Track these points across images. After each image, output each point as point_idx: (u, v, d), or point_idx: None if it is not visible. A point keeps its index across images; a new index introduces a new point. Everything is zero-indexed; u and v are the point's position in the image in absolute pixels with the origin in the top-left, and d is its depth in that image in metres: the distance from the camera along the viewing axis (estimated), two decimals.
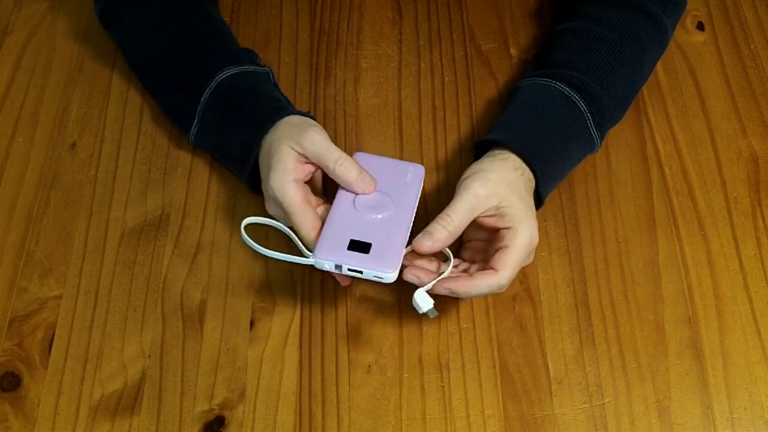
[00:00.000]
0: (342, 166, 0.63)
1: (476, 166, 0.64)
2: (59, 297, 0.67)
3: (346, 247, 0.60)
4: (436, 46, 0.82)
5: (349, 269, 0.59)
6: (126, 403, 0.63)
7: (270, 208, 0.67)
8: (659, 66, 0.80)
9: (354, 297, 0.67)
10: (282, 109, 0.69)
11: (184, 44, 0.74)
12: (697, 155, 0.75)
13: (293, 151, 0.64)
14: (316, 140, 0.63)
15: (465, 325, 0.66)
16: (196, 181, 0.73)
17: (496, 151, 0.66)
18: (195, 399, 0.63)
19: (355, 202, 0.63)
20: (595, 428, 0.62)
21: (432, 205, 0.71)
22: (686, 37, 0.83)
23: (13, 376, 0.64)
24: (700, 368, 0.64)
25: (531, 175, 0.65)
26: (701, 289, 0.68)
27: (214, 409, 0.62)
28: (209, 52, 0.73)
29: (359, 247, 0.60)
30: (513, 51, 0.82)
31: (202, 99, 0.70)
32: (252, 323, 0.66)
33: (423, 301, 0.59)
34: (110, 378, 0.64)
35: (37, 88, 0.80)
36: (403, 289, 0.67)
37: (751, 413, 0.62)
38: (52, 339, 0.65)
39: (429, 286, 0.60)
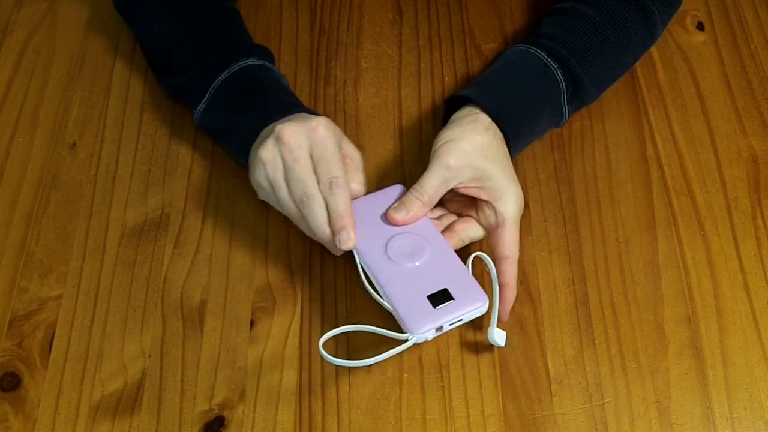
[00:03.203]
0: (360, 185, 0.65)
1: (446, 134, 0.64)
2: (59, 297, 0.67)
3: (432, 306, 0.58)
4: (436, 46, 0.82)
5: (450, 325, 0.58)
6: (126, 403, 0.63)
7: (259, 174, 0.64)
8: (659, 66, 0.80)
9: (354, 296, 0.67)
10: (303, 107, 0.69)
11: (208, 28, 0.74)
12: (697, 155, 0.75)
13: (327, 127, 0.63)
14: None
15: (465, 325, 0.66)
16: (196, 181, 0.73)
17: (465, 110, 0.66)
18: (195, 399, 0.63)
19: (389, 255, 0.62)
20: (595, 428, 0.62)
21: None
22: (686, 37, 0.83)
23: (13, 376, 0.64)
24: (700, 368, 0.64)
25: (500, 133, 0.66)
26: (701, 289, 0.68)
27: (214, 409, 0.62)
28: (234, 39, 0.74)
29: (440, 298, 0.59)
30: None
31: (220, 78, 0.70)
32: (252, 323, 0.66)
33: (499, 337, 0.62)
34: (110, 378, 0.64)
35: (37, 88, 0.80)
36: None
37: (751, 413, 0.62)
38: (52, 339, 0.65)
39: (494, 322, 0.61)
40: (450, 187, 0.64)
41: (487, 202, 0.64)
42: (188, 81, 0.72)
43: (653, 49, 0.81)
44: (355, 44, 0.82)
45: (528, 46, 0.71)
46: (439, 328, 0.58)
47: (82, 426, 0.62)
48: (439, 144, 0.64)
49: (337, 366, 0.64)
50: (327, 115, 0.77)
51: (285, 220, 0.71)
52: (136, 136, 0.76)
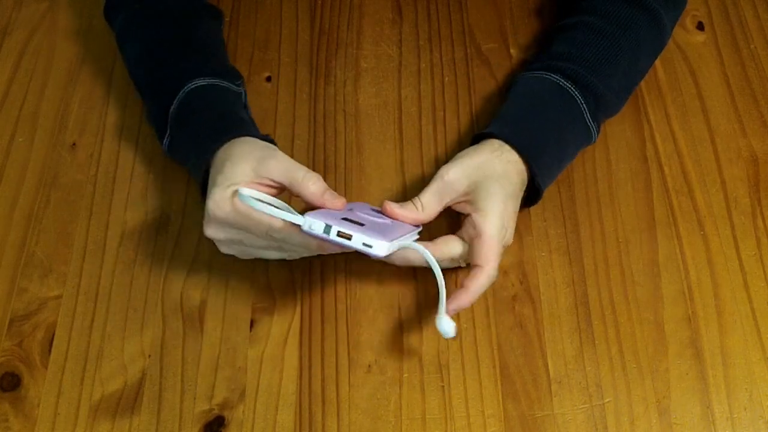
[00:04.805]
0: (311, 179, 0.60)
1: (456, 155, 0.65)
2: (59, 297, 0.67)
3: (340, 218, 0.58)
4: (436, 46, 0.82)
5: (339, 233, 0.56)
6: (126, 403, 0.63)
7: (210, 229, 0.63)
8: (659, 66, 0.80)
9: (354, 297, 0.67)
10: (242, 127, 0.67)
11: (165, 52, 0.73)
12: (697, 155, 0.75)
13: (251, 173, 0.61)
14: (283, 159, 0.61)
15: (465, 325, 0.66)
16: (196, 181, 0.73)
17: (487, 142, 0.67)
18: (195, 399, 0.63)
19: (353, 210, 0.62)
20: (595, 428, 0.62)
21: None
22: (686, 37, 0.83)
23: (13, 376, 0.64)
24: (700, 368, 0.64)
25: (514, 157, 0.65)
26: (701, 289, 0.68)
27: (214, 409, 0.62)
28: (186, 62, 0.72)
29: (352, 223, 0.58)
30: (513, 51, 0.81)
31: (172, 109, 0.69)
32: (252, 323, 0.66)
33: (448, 326, 0.59)
34: (110, 378, 0.64)
35: (37, 88, 0.80)
36: (403, 289, 0.67)
37: (751, 413, 0.62)
38: (52, 339, 0.65)
39: (442, 308, 0.59)
40: (446, 200, 0.63)
41: (469, 215, 0.63)
42: (155, 113, 0.72)
43: None
44: (355, 44, 0.82)
45: (541, 72, 0.70)
46: (328, 230, 0.56)
47: (82, 426, 0.62)
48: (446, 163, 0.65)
49: (336, 365, 0.64)
50: (326, 115, 0.77)
51: None
52: (136, 136, 0.76)
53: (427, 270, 0.68)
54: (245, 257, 0.66)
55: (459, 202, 0.64)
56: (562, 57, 0.71)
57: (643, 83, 0.79)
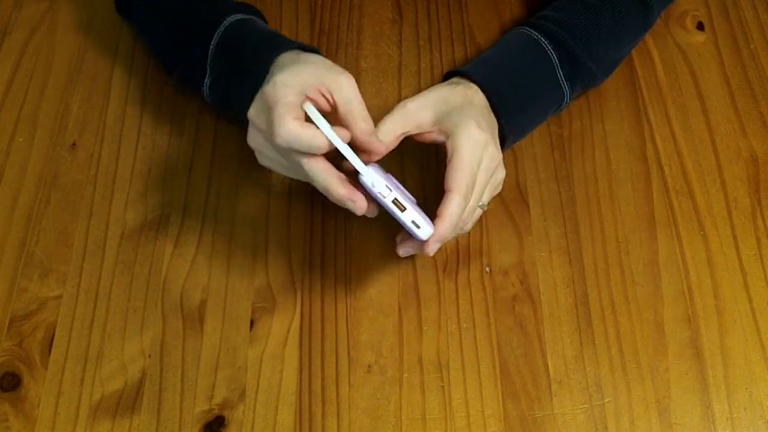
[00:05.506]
0: (367, 119, 0.60)
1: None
2: (59, 297, 0.67)
3: (385, 183, 0.56)
4: (436, 46, 0.82)
5: (395, 200, 0.55)
6: (126, 403, 0.63)
7: (253, 109, 0.60)
8: (659, 66, 0.80)
9: (354, 297, 0.67)
10: (296, 44, 0.67)
11: (193, 6, 0.73)
12: (697, 155, 0.75)
13: (315, 79, 0.59)
14: (352, 86, 0.60)
15: (465, 325, 0.66)
16: (196, 181, 0.73)
17: (448, 80, 0.68)
18: (195, 399, 0.63)
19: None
20: (595, 428, 0.62)
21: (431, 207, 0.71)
22: (686, 37, 0.83)
23: (13, 376, 0.64)
24: (700, 368, 0.64)
25: (484, 99, 0.66)
26: (701, 289, 0.68)
27: (214, 409, 0.62)
28: (217, 5, 0.72)
29: (399, 202, 0.57)
30: None
31: (211, 46, 0.69)
32: (252, 323, 0.66)
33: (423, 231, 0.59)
34: (110, 378, 0.64)
35: (37, 88, 0.80)
36: (403, 289, 0.68)
37: (751, 413, 0.62)
38: (52, 339, 0.65)
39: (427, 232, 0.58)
40: (408, 127, 0.63)
41: (445, 143, 0.63)
42: (188, 60, 0.71)
43: (653, 49, 0.81)
44: (355, 44, 0.82)
45: (518, 27, 0.72)
46: (386, 191, 0.55)
47: (82, 426, 0.62)
48: None
49: (336, 365, 0.64)
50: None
51: (285, 221, 0.71)
52: (136, 136, 0.76)
53: (427, 269, 0.68)
54: (261, 148, 0.62)
55: (429, 133, 0.64)
56: (540, 17, 0.72)
57: (643, 83, 0.79)
